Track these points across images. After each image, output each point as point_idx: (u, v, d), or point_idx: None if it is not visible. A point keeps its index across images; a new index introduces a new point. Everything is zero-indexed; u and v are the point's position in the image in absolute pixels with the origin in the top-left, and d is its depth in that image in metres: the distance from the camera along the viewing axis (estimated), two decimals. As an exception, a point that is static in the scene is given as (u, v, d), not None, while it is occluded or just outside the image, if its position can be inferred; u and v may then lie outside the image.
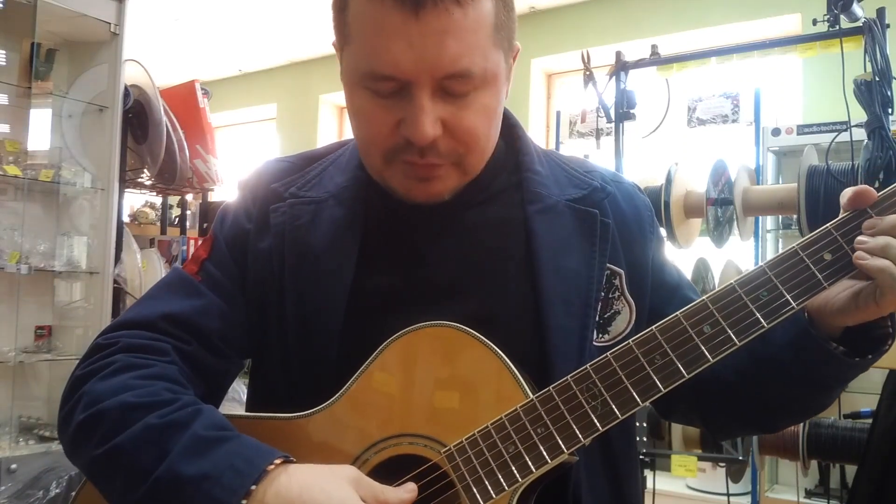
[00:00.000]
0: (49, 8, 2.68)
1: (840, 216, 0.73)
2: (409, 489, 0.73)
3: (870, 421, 1.97)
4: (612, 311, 0.87)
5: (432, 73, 0.74)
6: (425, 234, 0.87)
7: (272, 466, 0.70)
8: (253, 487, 0.68)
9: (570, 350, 0.81)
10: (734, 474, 2.67)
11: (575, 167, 0.95)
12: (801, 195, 2.20)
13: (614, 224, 0.89)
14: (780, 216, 3.13)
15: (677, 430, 2.47)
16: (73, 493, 0.86)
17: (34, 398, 2.87)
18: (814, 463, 2.42)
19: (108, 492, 0.75)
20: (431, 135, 0.75)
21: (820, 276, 0.71)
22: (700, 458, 2.51)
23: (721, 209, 2.49)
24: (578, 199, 0.89)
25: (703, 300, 0.73)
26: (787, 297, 0.71)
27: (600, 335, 0.85)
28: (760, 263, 0.73)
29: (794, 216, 2.41)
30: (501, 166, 0.91)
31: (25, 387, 2.84)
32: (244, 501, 0.67)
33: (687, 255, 2.69)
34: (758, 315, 0.71)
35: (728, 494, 2.60)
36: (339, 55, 0.84)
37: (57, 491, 2.62)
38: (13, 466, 2.61)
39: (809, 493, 2.90)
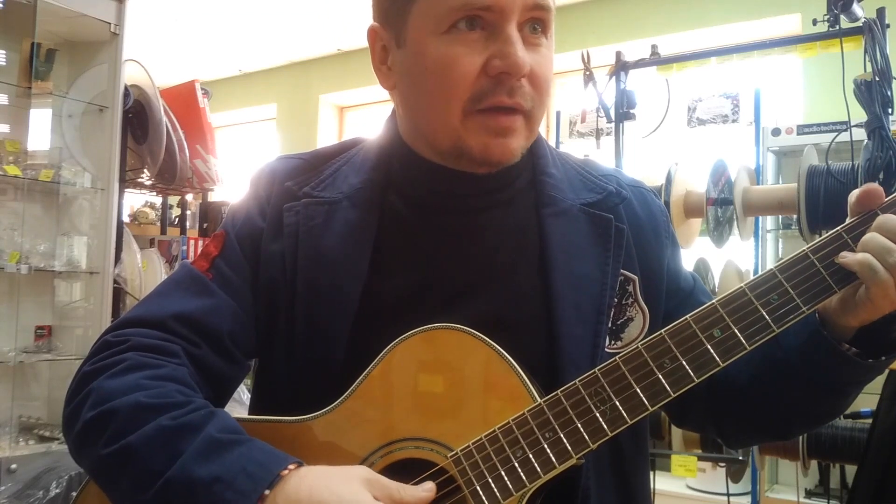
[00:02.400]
0: (49, 8, 2.67)
1: (851, 219, 0.73)
2: (428, 488, 0.72)
3: (870, 421, 1.97)
4: (626, 317, 0.86)
5: (524, 2, 0.76)
6: (438, 238, 0.86)
7: (286, 472, 0.69)
8: (266, 492, 0.67)
9: (581, 357, 0.80)
10: (734, 474, 2.67)
11: (590, 171, 0.94)
12: (801, 195, 2.20)
13: (629, 229, 0.88)
14: (780, 216, 3.14)
15: (677, 429, 2.47)
16: (74, 494, 0.86)
17: (34, 398, 2.86)
18: (814, 463, 2.42)
19: (114, 491, 0.74)
20: (528, 63, 0.77)
21: (831, 281, 0.71)
22: (700, 458, 2.51)
23: (721, 209, 2.49)
24: (593, 203, 0.89)
25: (714, 304, 0.73)
26: (798, 301, 0.71)
27: (613, 342, 0.85)
28: (768, 266, 0.73)
29: (794, 216, 2.41)
30: (518, 169, 0.90)
31: (25, 387, 2.83)
32: None
33: (687, 255, 2.69)
34: (768, 319, 0.71)
35: (728, 494, 2.60)
36: (389, 28, 0.85)
37: (57, 491, 2.61)
38: (13, 466, 2.60)
39: (809, 493, 2.90)
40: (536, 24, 0.80)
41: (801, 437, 2.22)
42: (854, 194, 0.73)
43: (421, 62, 0.80)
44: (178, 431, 0.71)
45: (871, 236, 0.70)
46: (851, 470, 2.20)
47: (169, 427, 0.71)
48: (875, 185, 0.72)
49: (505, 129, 0.80)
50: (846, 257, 0.70)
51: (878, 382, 1.89)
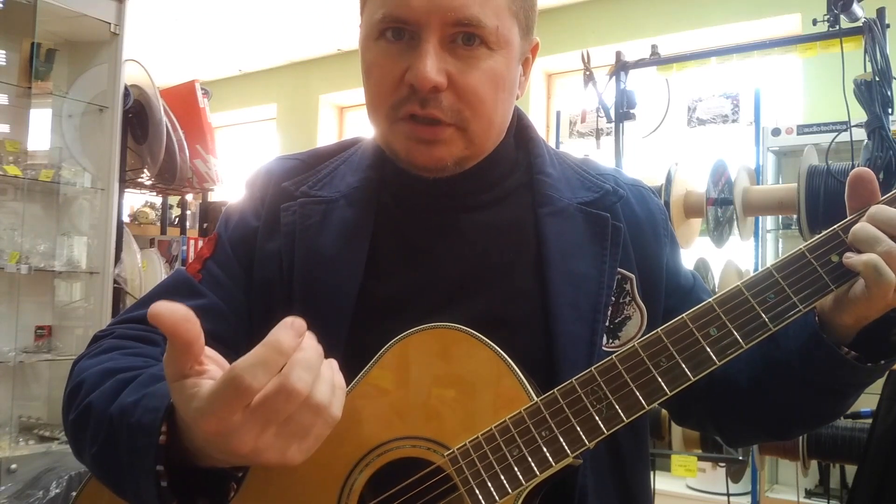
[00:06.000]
0: (49, 8, 2.68)
1: (847, 218, 0.73)
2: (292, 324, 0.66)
3: (870, 421, 1.97)
4: (623, 316, 0.86)
5: (442, 18, 0.75)
6: (434, 237, 0.87)
7: None
8: None
9: (579, 356, 0.80)
10: (734, 474, 2.67)
11: (588, 169, 0.94)
12: (801, 195, 2.20)
13: (627, 228, 0.88)
14: (780, 216, 3.14)
15: (677, 429, 2.47)
16: (74, 494, 0.86)
17: (34, 398, 2.87)
18: (814, 463, 2.42)
19: (83, 453, 0.74)
20: (433, 79, 0.76)
21: (827, 279, 0.71)
22: (700, 458, 2.51)
23: (721, 209, 2.49)
24: (590, 202, 0.89)
25: (710, 302, 0.73)
26: (794, 299, 0.70)
27: (611, 340, 0.85)
28: (767, 265, 0.73)
29: (794, 216, 2.41)
30: (513, 167, 0.91)
31: (25, 387, 2.84)
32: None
33: (687, 254, 2.69)
34: (764, 318, 0.71)
35: (728, 494, 2.60)
36: (360, 32, 0.87)
37: (57, 491, 2.62)
38: (13, 466, 2.61)
39: (809, 493, 2.90)
40: (468, 37, 0.78)
41: (801, 437, 2.22)
42: (847, 183, 0.73)
43: (362, 66, 0.84)
44: (129, 382, 0.72)
45: (861, 226, 0.70)
46: (851, 470, 2.20)
47: (123, 379, 0.72)
48: (865, 169, 0.72)
49: (427, 139, 0.80)
50: (851, 258, 0.69)
51: (878, 382, 1.88)
